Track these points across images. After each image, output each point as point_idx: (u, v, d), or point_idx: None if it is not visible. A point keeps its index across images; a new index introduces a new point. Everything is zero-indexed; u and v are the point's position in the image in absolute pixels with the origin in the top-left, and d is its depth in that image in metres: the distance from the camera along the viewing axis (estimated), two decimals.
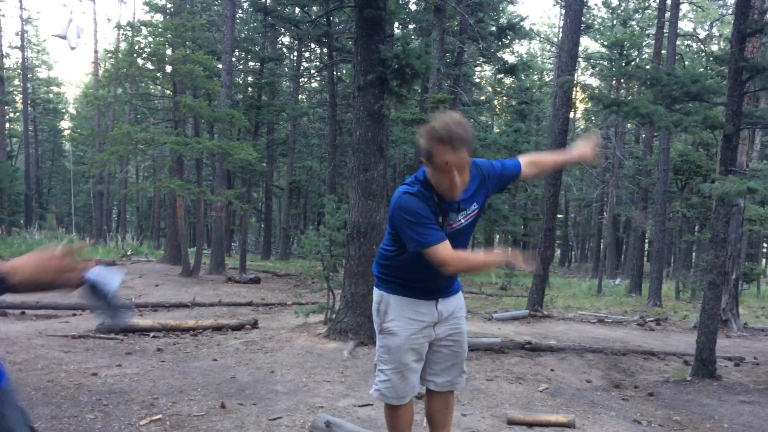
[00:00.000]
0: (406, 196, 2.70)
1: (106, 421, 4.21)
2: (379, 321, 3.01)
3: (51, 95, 46.82)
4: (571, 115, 35.57)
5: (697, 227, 24.85)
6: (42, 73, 46.40)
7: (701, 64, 28.07)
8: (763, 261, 43.91)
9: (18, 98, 40.71)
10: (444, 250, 2.65)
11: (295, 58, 31.25)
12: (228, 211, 20.98)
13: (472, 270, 3.00)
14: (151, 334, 7.60)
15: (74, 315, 9.06)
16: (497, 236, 43.47)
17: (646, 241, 27.36)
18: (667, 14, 18.05)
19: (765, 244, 41.39)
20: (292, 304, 11.10)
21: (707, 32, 34.15)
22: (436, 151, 2.58)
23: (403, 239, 2.74)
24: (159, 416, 4.36)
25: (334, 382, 5.66)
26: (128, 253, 22.07)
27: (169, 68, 16.96)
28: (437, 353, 3.06)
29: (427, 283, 2.92)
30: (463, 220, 2.85)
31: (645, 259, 26.89)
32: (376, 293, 3.05)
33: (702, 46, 29.12)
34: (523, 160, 3.09)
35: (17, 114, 43.15)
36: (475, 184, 2.89)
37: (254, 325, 8.42)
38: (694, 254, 29.35)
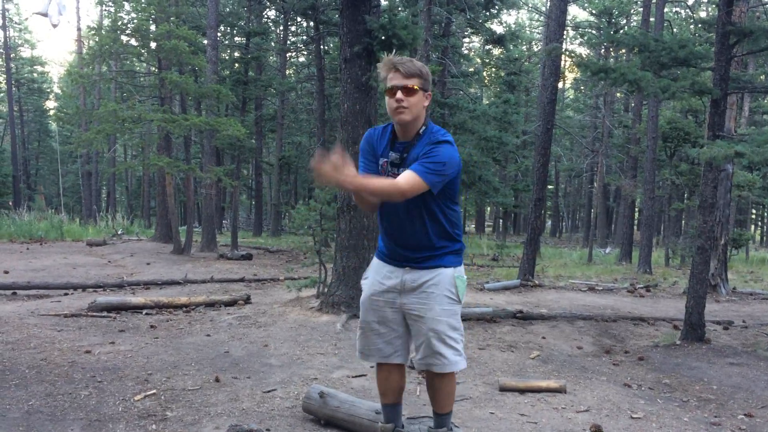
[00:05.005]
0: (366, 132, 3.07)
1: (101, 397, 4.23)
2: None
3: (35, 75, 46.22)
4: (560, 85, 35.52)
5: (686, 194, 24.98)
6: (25, 52, 45.79)
7: (689, 30, 27.97)
8: (752, 227, 44.31)
9: (1, 78, 40.15)
10: None
11: (281, 32, 30.87)
12: (218, 189, 20.89)
13: (351, 188, 2.65)
14: (144, 311, 7.60)
15: (66, 294, 9.06)
16: (488, 208, 43.61)
17: (636, 209, 27.52)
18: None
19: (753, 210, 41.74)
20: (284, 279, 11.12)
21: None
22: (388, 77, 2.84)
23: None
24: (153, 391, 4.38)
25: (328, 354, 5.70)
26: (119, 232, 22.01)
27: (153, 44, 16.74)
28: (411, 327, 3.04)
29: (390, 241, 3.04)
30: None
31: (635, 227, 27.07)
32: None
33: (690, 12, 28.99)
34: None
35: (1, 95, 42.61)
36: (424, 150, 2.86)
37: (247, 300, 8.43)
38: (683, 221, 29.54)
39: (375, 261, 3.16)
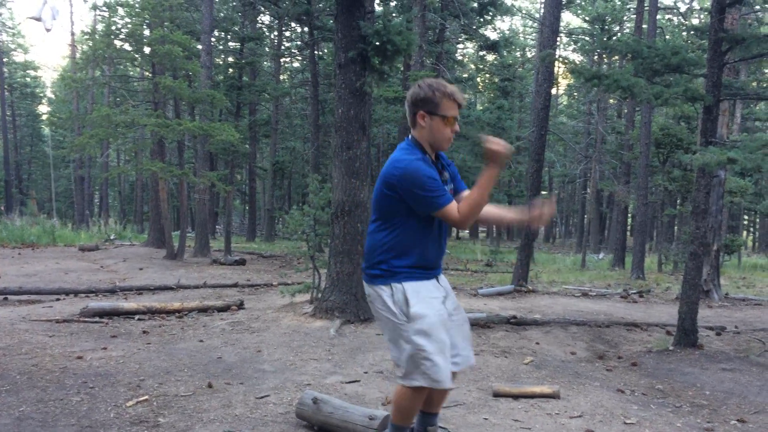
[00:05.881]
0: (418, 162, 2.87)
1: (93, 403, 4.20)
2: (400, 312, 2.92)
3: (28, 79, 46.06)
4: (554, 91, 35.64)
5: (678, 200, 25.07)
6: (18, 56, 45.59)
7: (682, 37, 28.13)
8: (744, 233, 44.49)
9: None
10: (455, 207, 2.88)
11: (275, 37, 30.91)
12: (211, 194, 20.85)
13: (484, 200, 2.89)
14: (137, 316, 7.57)
15: (58, 300, 9.01)
16: None
17: (629, 215, 27.61)
18: None
19: (746, 216, 41.93)
20: (277, 284, 11.09)
21: (688, 5, 34.21)
22: (445, 105, 2.90)
23: (416, 203, 2.86)
24: (146, 397, 4.35)
25: (321, 360, 5.68)
26: (111, 237, 21.92)
27: (147, 49, 16.71)
28: (450, 331, 3.03)
29: (429, 255, 3.01)
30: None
31: (628, 233, 27.15)
32: (384, 290, 2.96)
33: (683, 20, 29.17)
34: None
35: None
36: (450, 169, 3.17)
37: (240, 306, 8.41)
38: (676, 227, 29.65)
39: (408, 285, 2.95)
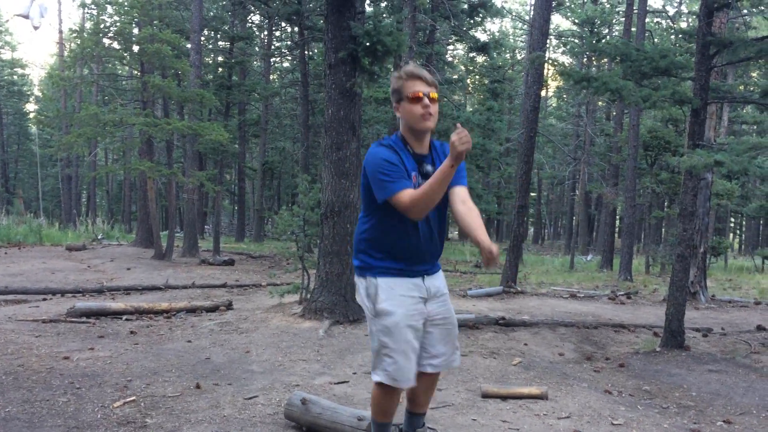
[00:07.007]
0: (378, 147, 2.86)
1: (79, 404, 4.17)
2: (371, 306, 2.93)
3: (15, 77, 45.72)
4: (543, 93, 35.76)
5: (666, 203, 25.25)
6: (5, 54, 45.27)
7: (670, 40, 28.33)
8: (731, 235, 44.83)
9: None
10: (405, 195, 2.74)
11: (265, 37, 30.84)
12: (200, 194, 20.76)
13: (435, 194, 2.66)
14: (124, 317, 7.53)
15: (44, 300, 8.95)
16: None
17: (617, 217, 27.74)
18: None
19: (732, 219, 42.25)
20: (266, 285, 11.06)
21: (676, 9, 34.45)
22: (406, 86, 2.83)
23: (374, 191, 2.82)
24: (133, 398, 4.33)
25: (310, 360, 5.67)
26: (99, 237, 21.79)
27: (136, 48, 16.63)
28: (431, 334, 3.02)
29: (410, 252, 2.93)
30: None
31: (616, 234, 27.29)
32: (361, 282, 2.99)
33: (671, 23, 29.37)
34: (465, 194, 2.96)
35: None
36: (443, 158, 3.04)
37: (229, 306, 8.38)
38: (663, 229, 29.82)
39: (383, 280, 2.93)
